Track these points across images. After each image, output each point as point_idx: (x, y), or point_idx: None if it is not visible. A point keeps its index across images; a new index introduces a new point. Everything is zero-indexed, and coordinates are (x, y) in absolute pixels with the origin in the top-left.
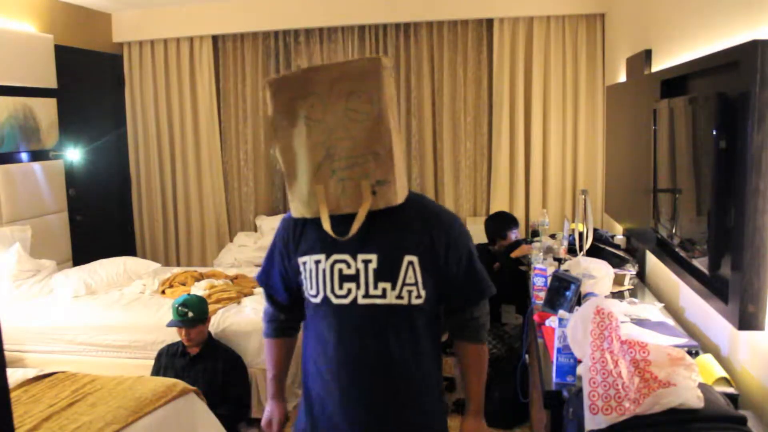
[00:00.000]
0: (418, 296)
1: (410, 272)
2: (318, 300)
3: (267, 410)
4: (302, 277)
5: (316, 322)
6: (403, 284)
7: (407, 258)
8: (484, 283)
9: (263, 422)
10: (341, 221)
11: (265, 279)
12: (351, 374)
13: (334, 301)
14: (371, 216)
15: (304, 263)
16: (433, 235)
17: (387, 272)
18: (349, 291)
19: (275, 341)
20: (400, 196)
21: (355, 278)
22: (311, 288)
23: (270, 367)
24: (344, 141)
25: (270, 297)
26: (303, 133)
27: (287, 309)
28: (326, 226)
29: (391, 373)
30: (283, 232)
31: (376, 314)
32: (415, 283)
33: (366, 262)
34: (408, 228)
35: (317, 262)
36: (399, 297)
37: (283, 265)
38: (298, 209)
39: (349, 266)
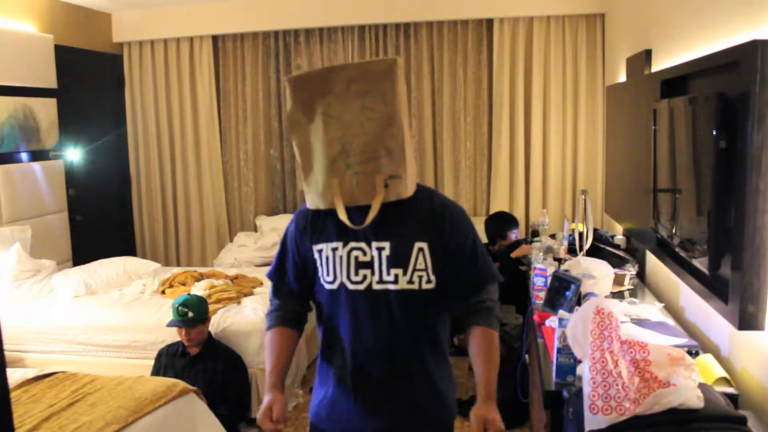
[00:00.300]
0: (429, 281)
1: (420, 258)
2: (334, 286)
3: (266, 400)
4: (317, 264)
5: (331, 308)
6: (414, 270)
7: (417, 245)
8: (490, 269)
9: (261, 411)
10: (354, 212)
11: (278, 273)
12: (365, 355)
13: (350, 286)
14: (383, 207)
15: (320, 251)
16: (440, 224)
17: (399, 259)
18: (365, 277)
19: (279, 330)
20: (410, 189)
21: (369, 265)
22: (328, 275)
23: (271, 357)
24: (359, 137)
25: (279, 291)
26: (320, 129)
27: (295, 299)
28: (342, 216)
29: (403, 355)
30: (299, 221)
31: (389, 299)
32: (425, 269)
33: (380, 250)
34: (417, 217)
35: (334, 250)
36: (410, 282)
37: (298, 252)
38: (313, 201)
39: (365, 254)
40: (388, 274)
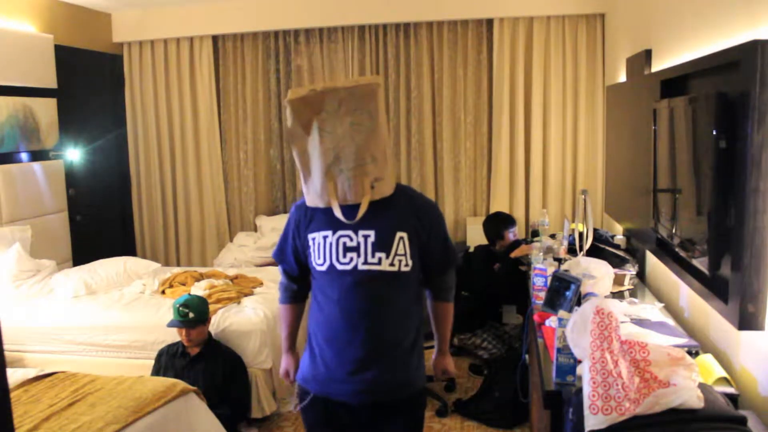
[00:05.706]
0: (406, 264)
1: (401, 245)
2: (324, 268)
3: (283, 363)
4: (310, 250)
5: (323, 286)
6: (395, 254)
7: (399, 234)
8: (454, 255)
9: (281, 373)
10: (346, 209)
11: (280, 255)
12: (348, 324)
13: (339, 267)
14: (369, 203)
15: (314, 238)
16: (419, 217)
17: (383, 244)
18: (351, 259)
19: (289, 306)
20: (391, 188)
21: (356, 249)
22: (319, 258)
23: (284, 327)
24: (349, 147)
25: (285, 271)
26: (316, 141)
27: (298, 279)
28: (338, 213)
29: (380, 324)
30: (297, 214)
31: (372, 278)
32: (404, 254)
33: (366, 237)
34: (399, 211)
35: (325, 237)
36: (391, 264)
37: (295, 241)
38: (313, 200)
39: (351, 240)
40: (373, 257)
